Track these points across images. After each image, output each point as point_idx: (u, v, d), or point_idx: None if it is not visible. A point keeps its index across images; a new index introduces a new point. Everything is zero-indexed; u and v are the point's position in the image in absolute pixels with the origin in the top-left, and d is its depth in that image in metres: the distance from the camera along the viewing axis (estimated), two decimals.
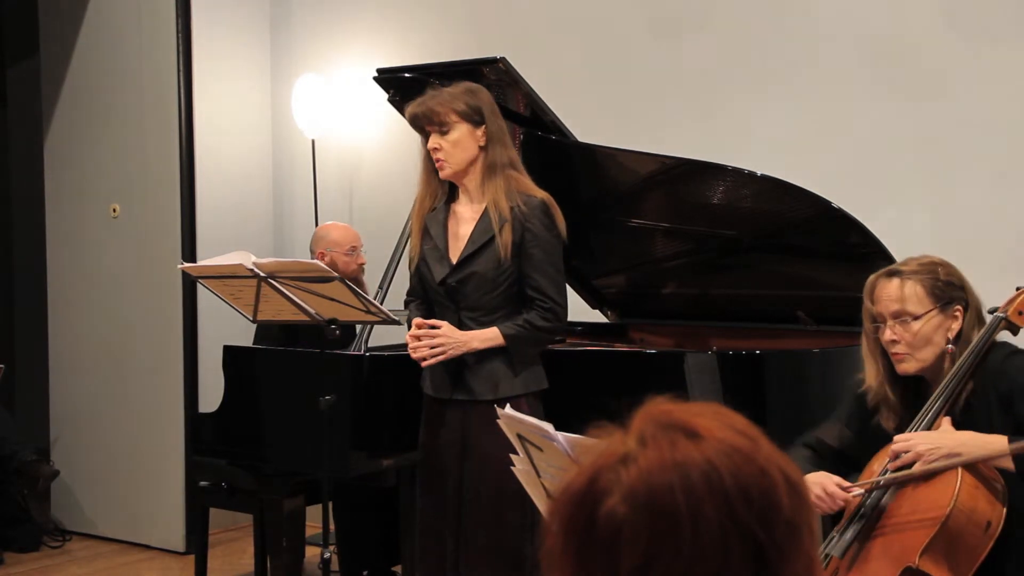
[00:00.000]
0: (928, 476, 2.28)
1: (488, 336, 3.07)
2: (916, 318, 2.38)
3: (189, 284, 5.12)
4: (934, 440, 2.29)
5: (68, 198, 5.56)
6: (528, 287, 3.09)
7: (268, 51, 5.75)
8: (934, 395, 2.37)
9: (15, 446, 5.12)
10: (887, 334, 2.41)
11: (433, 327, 3.07)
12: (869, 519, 2.33)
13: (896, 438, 2.35)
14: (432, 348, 3.05)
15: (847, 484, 2.40)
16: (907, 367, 2.41)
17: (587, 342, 4.10)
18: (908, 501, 2.30)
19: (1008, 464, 2.23)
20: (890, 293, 2.42)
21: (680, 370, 3.39)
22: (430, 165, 3.15)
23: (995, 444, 2.24)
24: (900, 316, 2.40)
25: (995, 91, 4.00)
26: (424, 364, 3.09)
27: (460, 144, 3.06)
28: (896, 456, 2.33)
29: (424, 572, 3.21)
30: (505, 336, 3.06)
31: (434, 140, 3.08)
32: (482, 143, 3.08)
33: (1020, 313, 2.40)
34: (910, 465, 2.31)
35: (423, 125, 3.10)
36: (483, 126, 3.07)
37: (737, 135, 4.43)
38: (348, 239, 4.32)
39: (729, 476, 0.91)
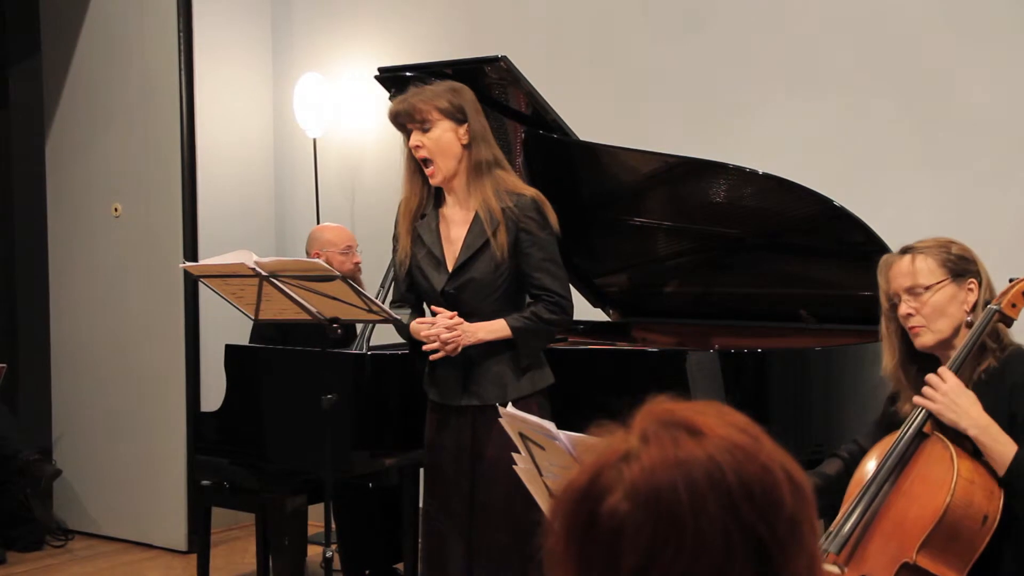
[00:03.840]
0: (924, 467, 2.31)
1: (494, 328, 3.06)
2: (927, 288, 2.41)
3: (191, 283, 5.12)
4: (956, 406, 2.30)
5: (70, 198, 5.56)
6: (532, 286, 3.09)
7: (270, 50, 5.75)
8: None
9: (17, 445, 5.12)
10: (903, 308, 2.43)
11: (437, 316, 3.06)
12: (866, 515, 2.33)
13: (933, 375, 2.35)
14: (445, 340, 3.03)
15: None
16: (924, 340, 2.42)
17: (589, 341, 4.10)
18: (905, 497, 2.31)
19: (997, 469, 2.25)
20: (902, 269, 2.45)
21: (682, 369, 3.39)
22: (413, 164, 3.14)
23: (1004, 448, 2.26)
24: (913, 290, 2.43)
25: (996, 89, 3.99)
26: (433, 358, 3.07)
27: (442, 141, 3.05)
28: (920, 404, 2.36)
29: (430, 574, 3.21)
30: (512, 328, 3.05)
31: (416, 138, 3.07)
32: (464, 141, 3.07)
33: (1013, 305, 2.42)
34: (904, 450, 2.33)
35: (404, 122, 3.09)
36: (465, 124, 3.06)
37: (739, 134, 4.42)
38: (343, 239, 4.33)
39: (732, 473, 0.91)
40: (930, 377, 2.36)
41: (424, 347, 3.08)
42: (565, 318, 3.12)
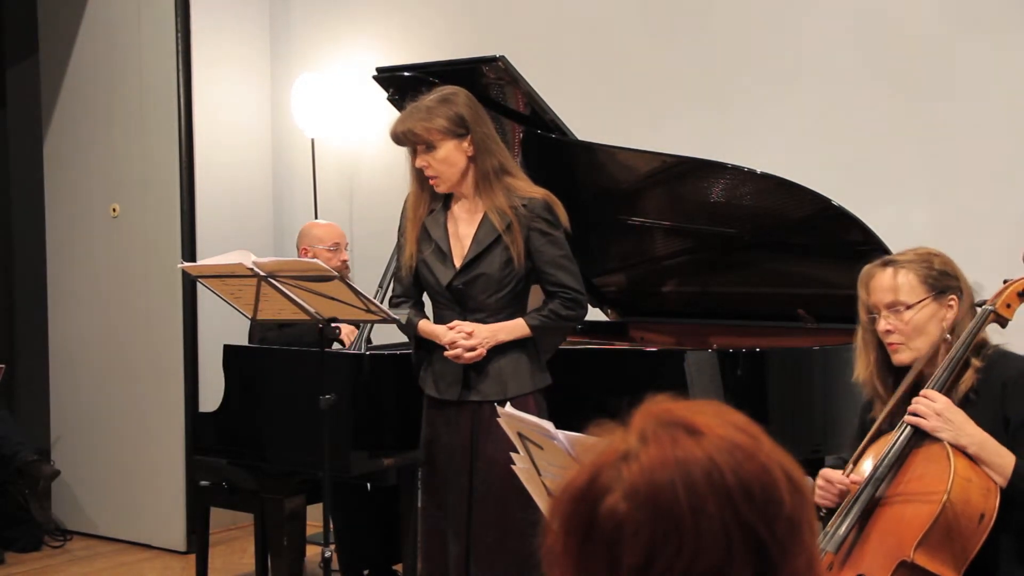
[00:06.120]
0: (920, 464, 2.30)
1: (513, 328, 3.09)
2: (909, 307, 2.40)
3: (189, 283, 5.12)
4: (951, 424, 2.29)
5: (68, 198, 5.56)
6: (547, 283, 3.12)
7: (267, 50, 5.74)
8: (927, 386, 2.38)
9: (16, 446, 5.11)
10: (882, 324, 2.42)
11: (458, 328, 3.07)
12: (863, 514, 2.33)
13: (924, 392, 2.34)
14: (468, 349, 3.05)
15: (845, 472, 2.41)
16: (902, 357, 2.42)
17: (587, 340, 4.10)
18: (902, 495, 2.31)
19: (999, 480, 2.25)
20: (883, 283, 2.43)
21: (680, 368, 3.39)
22: (421, 177, 3.15)
23: (1003, 460, 2.26)
24: (894, 306, 2.41)
25: (995, 88, 4.00)
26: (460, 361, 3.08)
27: (448, 160, 3.07)
28: (910, 422, 2.34)
29: (428, 573, 3.20)
30: (531, 327, 3.08)
31: (421, 159, 3.09)
32: (470, 153, 3.08)
33: (1008, 306, 2.42)
34: (906, 443, 2.32)
35: (407, 145, 3.11)
36: (468, 136, 3.07)
37: (737, 133, 4.43)
38: (331, 236, 4.35)
39: (731, 473, 0.91)
40: (919, 399, 2.35)
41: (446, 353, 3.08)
42: (582, 313, 3.17)
